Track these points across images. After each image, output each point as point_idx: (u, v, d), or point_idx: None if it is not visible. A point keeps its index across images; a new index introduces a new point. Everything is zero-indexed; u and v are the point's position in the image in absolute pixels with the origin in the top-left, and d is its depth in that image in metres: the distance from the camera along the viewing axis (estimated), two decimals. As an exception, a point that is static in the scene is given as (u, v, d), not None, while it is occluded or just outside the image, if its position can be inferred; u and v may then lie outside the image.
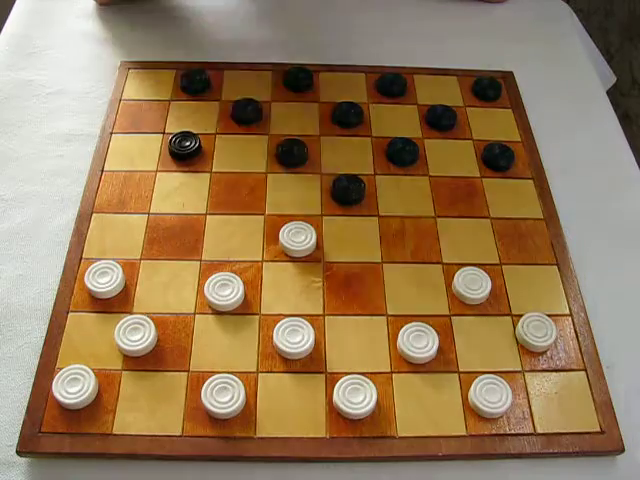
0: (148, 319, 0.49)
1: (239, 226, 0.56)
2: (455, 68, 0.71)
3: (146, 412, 0.46)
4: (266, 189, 0.59)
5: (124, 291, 0.52)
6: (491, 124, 0.66)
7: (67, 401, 0.45)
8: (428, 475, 0.46)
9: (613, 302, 0.55)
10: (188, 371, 0.48)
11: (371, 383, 0.47)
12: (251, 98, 0.64)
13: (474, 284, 0.53)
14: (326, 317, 0.51)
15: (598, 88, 0.73)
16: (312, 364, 0.49)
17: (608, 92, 0.77)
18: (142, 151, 0.61)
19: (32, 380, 0.47)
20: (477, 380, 0.48)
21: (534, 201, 0.60)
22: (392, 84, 0.67)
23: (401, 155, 0.61)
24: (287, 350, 0.48)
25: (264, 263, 0.54)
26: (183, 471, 0.45)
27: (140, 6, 0.76)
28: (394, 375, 0.49)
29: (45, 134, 0.64)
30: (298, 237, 0.55)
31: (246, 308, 0.52)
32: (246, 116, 0.64)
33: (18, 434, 0.45)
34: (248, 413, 0.46)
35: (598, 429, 0.47)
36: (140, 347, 0.48)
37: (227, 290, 0.51)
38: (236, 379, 0.47)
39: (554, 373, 0.50)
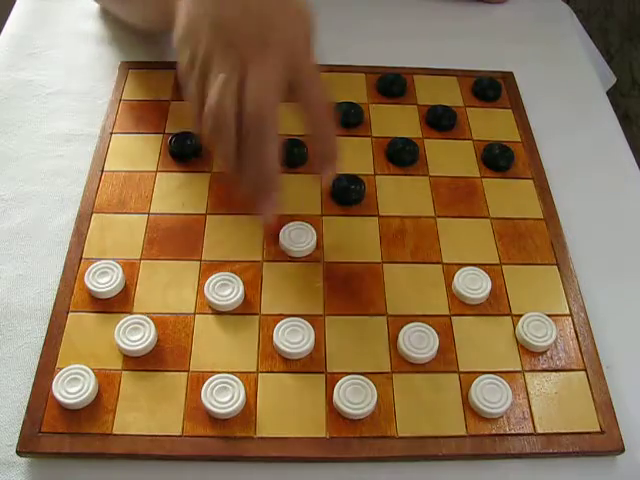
0: (148, 319, 0.49)
1: (239, 226, 0.56)
2: (455, 68, 0.71)
3: (146, 412, 0.46)
4: (266, 189, 0.59)
5: (124, 291, 0.52)
6: (491, 124, 0.66)
7: (67, 401, 0.45)
8: (428, 475, 0.46)
9: (613, 302, 0.55)
10: (188, 371, 0.48)
11: (371, 383, 0.47)
12: (251, 98, 0.64)
13: (474, 284, 0.53)
14: (326, 317, 0.51)
15: (598, 88, 0.73)
16: (312, 364, 0.49)
17: (608, 92, 0.77)
18: (142, 151, 0.61)
19: (32, 380, 0.47)
20: (477, 380, 0.48)
21: (534, 201, 0.60)
22: (392, 84, 0.67)
23: (401, 155, 0.61)
24: (287, 350, 0.48)
25: (264, 263, 0.54)
26: (183, 471, 0.45)
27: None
28: (394, 375, 0.49)
29: (45, 134, 0.64)
30: (298, 237, 0.55)
31: (246, 308, 0.52)
32: (246, 116, 0.64)
33: (18, 434, 0.45)
34: (248, 413, 0.46)
35: (598, 429, 0.47)
36: (140, 347, 0.48)
37: (227, 290, 0.51)
38: (236, 379, 0.47)
39: (554, 373, 0.50)
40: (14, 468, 0.45)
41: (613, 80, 0.90)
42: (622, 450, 0.47)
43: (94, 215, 0.56)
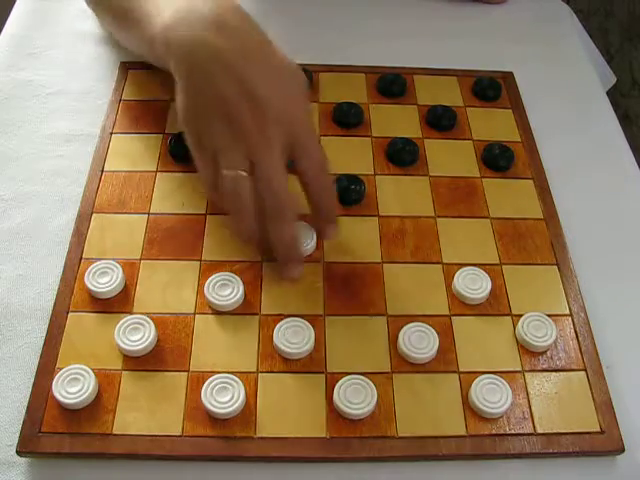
0: (148, 319, 0.49)
1: (239, 226, 0.56)
2: (455, 68, 0.71)
3: (146, 412, 0.46)
4: (266, 189, 0.59)
5: (124, 291, 0.52)
6: (491, 124, 0.66)
7: (67, 401, 0.45)
8: (428, 475, 0.46)
9: (613, 302, 0.55)
10: (188, 371, 0.48)
11: (371, 383, 0.47)
12: (251, 98, 0.64)
13: (474, 284, 0.53)
14: (326, 317, 0.51)
15: (598, 88, 0.73)
16: (312, 364, 0.49)
17: (608, 92, 0.77)
18: (142, 151, 0.61)
19: (32, 380, 0.47)
20: (477, 380, 0.48)
21: (534, 201, 0.60)
22: (392, 84, 0.67)
23: (401, 155, 0.61)
24: (287, 350, 0.48)
25: (264, 263, 0.54)
26: (183, 471, 0.45)
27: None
28: (394, 375, 0.49)
29: (45, 134, 0.64)
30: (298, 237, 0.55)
31: (246, 308, 0.52)
32: (246, 116, 0.64)
33: (18, 434, 0.45)
34: (248, 413, 0.46)
35: (598, 429, 0.47)
36: (140, 347, 0.48)
37: (227, 290, 0.51)
38: (236, 379, 0.47)
39: (554, 373, 0.50)
40: (14, 468, 0.45)
41: (613, 80, 0.90)
42: (622, 450, 0.47)
43: (94, 215, 0.56)
